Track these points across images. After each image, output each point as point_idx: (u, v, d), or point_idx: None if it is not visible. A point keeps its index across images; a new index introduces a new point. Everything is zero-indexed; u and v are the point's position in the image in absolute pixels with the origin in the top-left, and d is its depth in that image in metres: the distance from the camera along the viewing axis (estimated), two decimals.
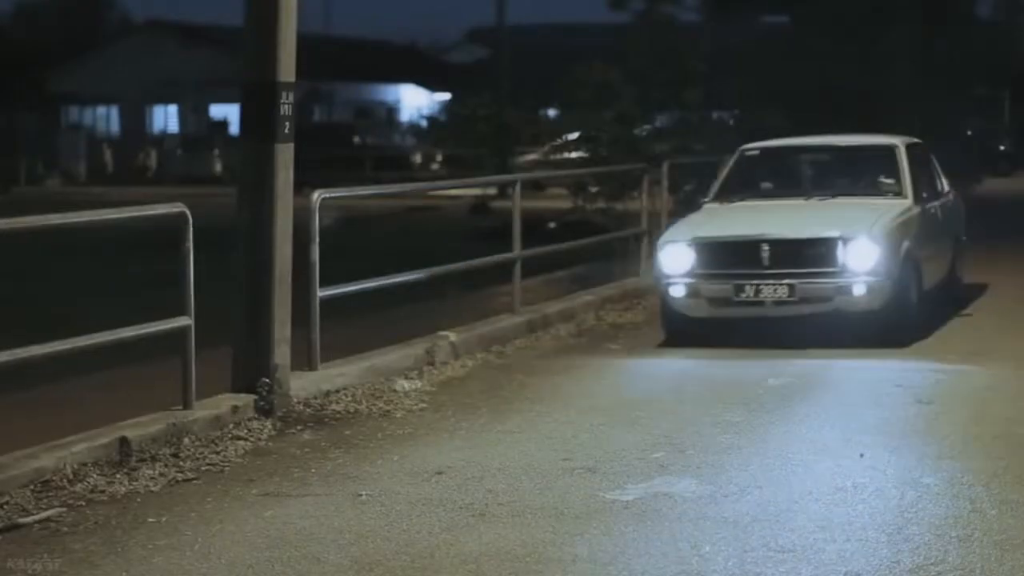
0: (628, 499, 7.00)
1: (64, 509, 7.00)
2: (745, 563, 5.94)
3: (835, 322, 11.50)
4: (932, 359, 10.79)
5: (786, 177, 13.48)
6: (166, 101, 61.10)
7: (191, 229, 8.52)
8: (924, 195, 12.72)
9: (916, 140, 13.81)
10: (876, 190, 12.65)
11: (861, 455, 7.76)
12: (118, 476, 7.51)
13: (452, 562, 6.06)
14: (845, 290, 11.26)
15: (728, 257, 11.61)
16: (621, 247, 16.51)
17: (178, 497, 7.24)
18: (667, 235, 12.14)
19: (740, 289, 11.40)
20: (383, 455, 8.07)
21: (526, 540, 6.33)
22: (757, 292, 11.34)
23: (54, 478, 7.36)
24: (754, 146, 13.68)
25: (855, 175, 13.10)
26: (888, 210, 11.93)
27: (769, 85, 25.02)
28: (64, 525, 6.75)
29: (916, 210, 12.33)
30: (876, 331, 11.35)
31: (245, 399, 8.84)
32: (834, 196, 12.50)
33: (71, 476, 7.42)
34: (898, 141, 13.13)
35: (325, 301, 10.03)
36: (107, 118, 62.82)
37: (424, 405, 9.46)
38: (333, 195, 10.75)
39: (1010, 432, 8.29)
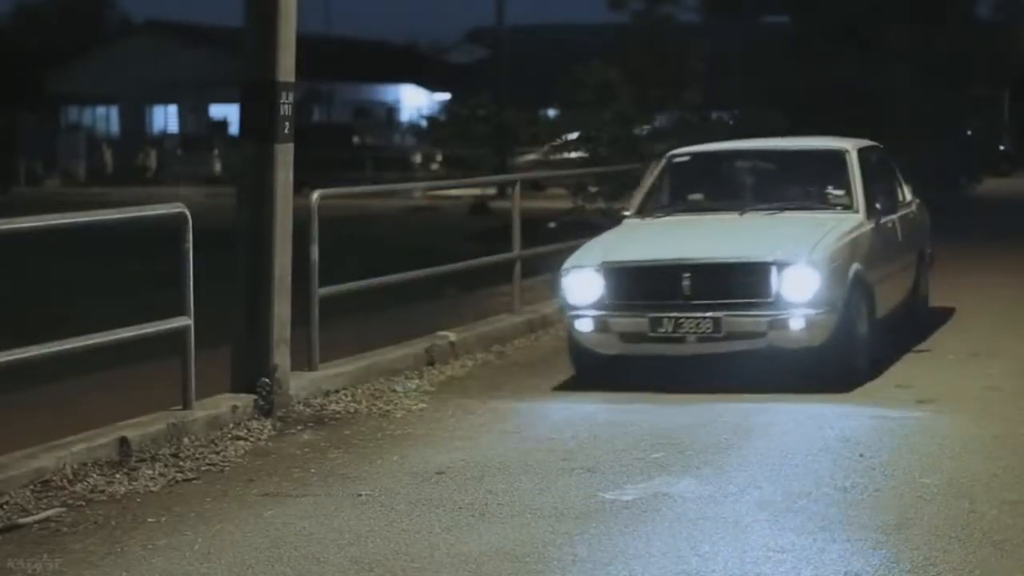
0: (627, 499, 7.00)
1: (64, 509, 7.00)
2: (745, 563, 5.94)
3: (770, 361, 9.83)
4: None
5: (720, 187, 11.69)
6: (166, 101, 61.12)
7: (191, 229, 8.52)
8: (879, 207, 10.94)
9: (871, 143, 12.20)
10: (823, 203, 10.94)
11: (861, 455, 7.76)
12: (118, 476, 7.52)
13: (452, 562, 6.06)
14: (780, 324, 9.52)
15: (643, 285, 9.88)
16: None
17: (178, 497, 7.24)
18: (573, 258, 10.19)
19: (657, 323, 9.66)
20: (383, 455, 8.07)
21: (526, 540, 6.33)
22: (677, 327, 9.62)
23: (54, 478, 7.36)
24: (684, 151, 11.88)
25: (799, 185, 11.38)
26: (835, 227, 10.24)
27: (769, 85, 25.03)
28: (64, 525, 6.76)
29: (869, 226, 10.62)
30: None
31: (245, 399, 8.85)
32: (774, 210, 10.78)
33: (71, 476, 7.42)
34: (849, 145, 11.40)
35: (325, 301, 10.04)
36: (107, 118, 62.84)
37: (424, 405, 9.46)
38: (333, 194, 10.77)
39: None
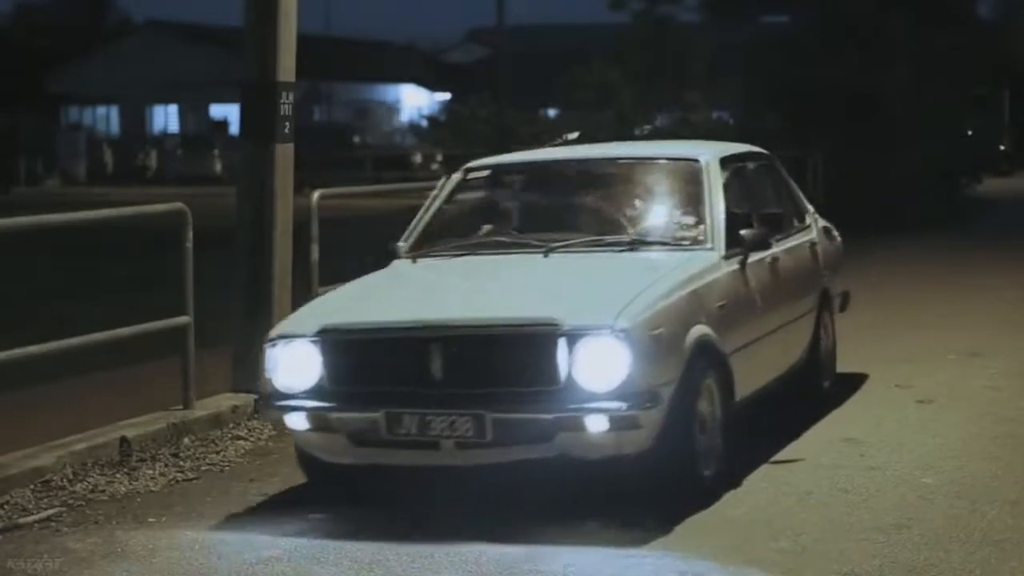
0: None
1: (64, 509, 7.00)
2: (745, 563, 5.93)
3: (565, 476, 6.89)
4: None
5: (528, 214, 8.43)
6: (166, 101, 61.13)
7: (191, 228, 8.53)
8: (748, 239, 7.74)
9: (749, 150, 9.16)
10: (665, 236, 7.75)
11: (861, 455, 7.76)
12: (118, 476, 7.52)
13: (452, 561, 6.06)
14: (572, 424, 6.41)
15: (375, 363, 6.73)
16: None
17: (178, 497, 7.24)
18: (284, 323, 7.18)
19: (395, 421, 6.56)
20: None
21: (523, 538, 6.29)
22: (423, 427, 6.53)
23: (54, 478, 7.37)
24: (482, 164, 8.70)
25: (636, 211, 8.04)
26: (669, 273, 7.13)
27: (769, 85, 25.05)
28: (64, 525, 6.76)
29: (727, 268, 7.53)
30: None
31: (245, 399, 8.84)
32: (592, 247, 7.60)
33: (71, 476, 7.42)
34: (706, 154, 8.18)
35: None
36: (107, 118, 62.85)
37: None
38: (333, 194, 10.76)
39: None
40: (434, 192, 8.61)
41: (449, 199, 8.38)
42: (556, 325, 6.48)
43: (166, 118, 62.48)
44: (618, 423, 6.44)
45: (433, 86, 63.94)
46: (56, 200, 33.92)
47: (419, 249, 8.01)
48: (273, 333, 7.01)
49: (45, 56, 59.71)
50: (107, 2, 75.47)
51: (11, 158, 47.87)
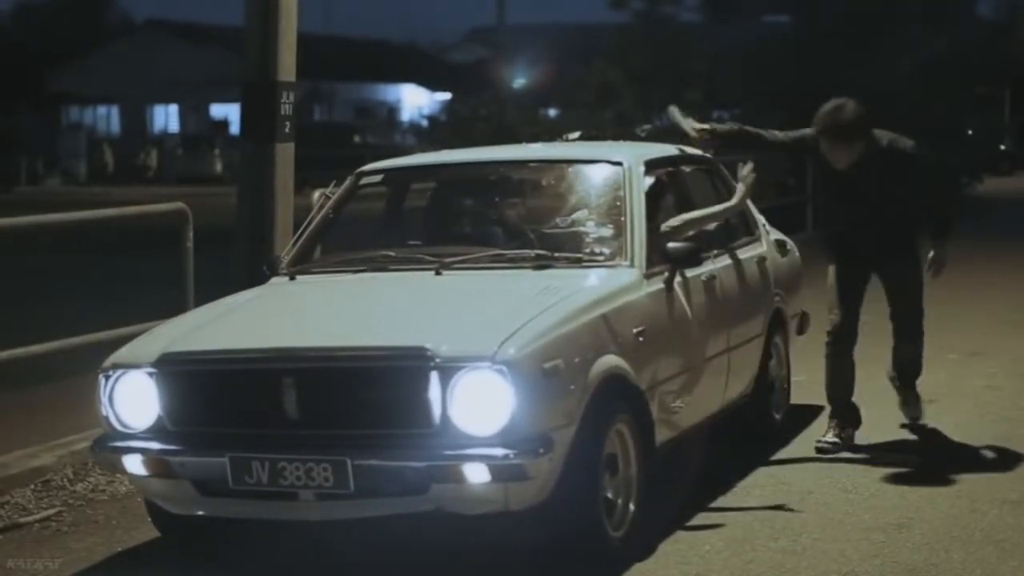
0: None
1: (64, 509, 7.00)
2: (745, 563, 5.94)
3: (445, 534, 5.94)
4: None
5: (422, 224, 7.61)
6: (166, 101, 61.13)
7: (191, 228, 8.53)
8: (677, 253, 6.72)
9: (681, 152, 7.97)
10: (575, 250, 6.70)
11: (861, 455, 7.76)
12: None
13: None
14: (449, 474, 5.47)
15: (221, 398, 5.82)
16: None
17: None
18: (121, 350, 6.12)
19: (243, 468, 5.62)
20: None
21: None
22: (275, 475, 5.58)
23: (54, 477, 7.37)
24: (377, 168, 7.72)
25: (548, 221, 6.98)
26: (577, 292, 6.18)
27: (769, 85, 25.06)
28: (65, 524, 6.76)
29: (648, 288, 6.55)
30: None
31: None
32: (491, 264, 6.62)
33: (72, 476, 7.43)
34: (629, 157, 7.08)
35: None
36: (107, 118, 62.86)
37: None
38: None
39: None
40: (320, 200, 7.54)
41: (339, 207, 7.39)
42: (427, 356, 5.46)
43: (166, 118, 62.48)
44: (502, 473, 5.42)
45: (433, 86, 63.93)
46: (57, 199, 33.93)
47: (299, 264, 7.01)
48: (108, 362, 5.98)
49: (45, 56, 59.73)
50: (107, 2, 75.52)
51: (12, 158, 47.91)
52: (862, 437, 8.15)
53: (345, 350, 5.67)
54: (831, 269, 8.08)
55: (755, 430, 8.07)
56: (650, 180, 7.04)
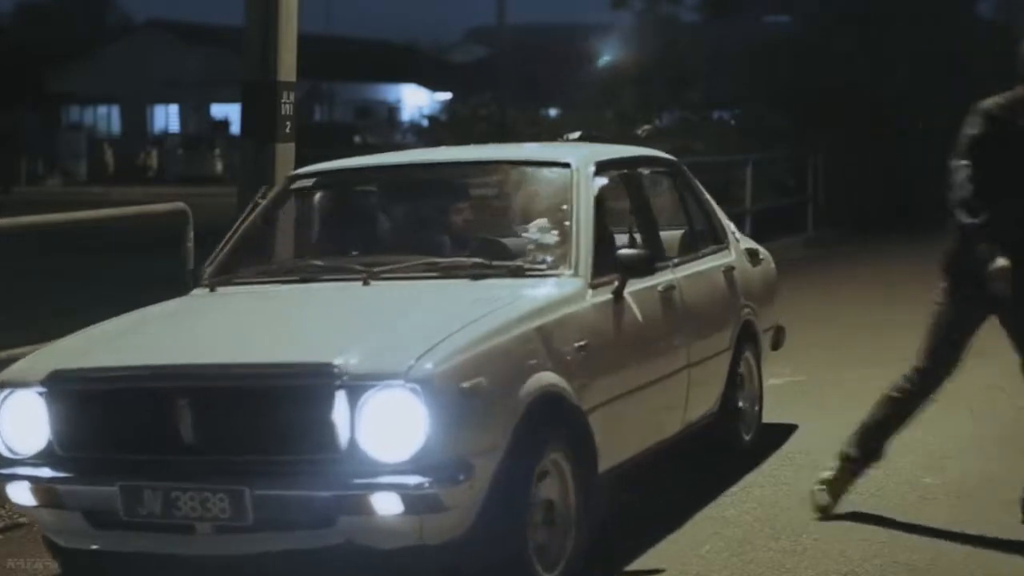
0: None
1: None
2: (745, 563, 5.93)
3: (355, 570, 5.22)
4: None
5: (356, 231, 6.95)
6: (166, 101, 61.19)
7: (192, 228, 8.53)
8: (628, 262, 6.21)
9: (642, 154, 7.62)
10: (515, 257, 6.23)
11: None
12: None
13: None
14: (357, 505, 4.96)
15: (113, 421, 5.28)
16: None
17: None
18: (12, 368, 5.65)
19: (134, 497, 5.12)
20: None
21: None
22: (169, 505, 5.09)
23: None
24: (311, 171, 7.18)
25: (485, 225, 6.60)
26: (510, 304, 5.67)
27: (770, 85, 25.06)
28: None
29: (594, 299, 6.03)
30: None
31: None
32: (425, 272, 6.11)
33: None
34: (581, 158, 6.60)
35: None
36: (107, 118, 62.92)
37: None
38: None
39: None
40: (251, 205, 7.09)
41: (268, 213, 6.87)
42: (334, 374, 4.94)
43: (167, 118, 62.53)
44: (415, 503, 4.90)
45: (434, 86, 63.95)
46: (57, 199, 33.93)
47: (222, 275, 6.47)
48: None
49: (46, 56, 59.76)
50: (107, 2, 75.57)
51: (12, 158, 47.94)
52: None
53: (244, 367, 5.18)
54: (948, 286, 6.49)
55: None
56: (602, 183, 6.52)
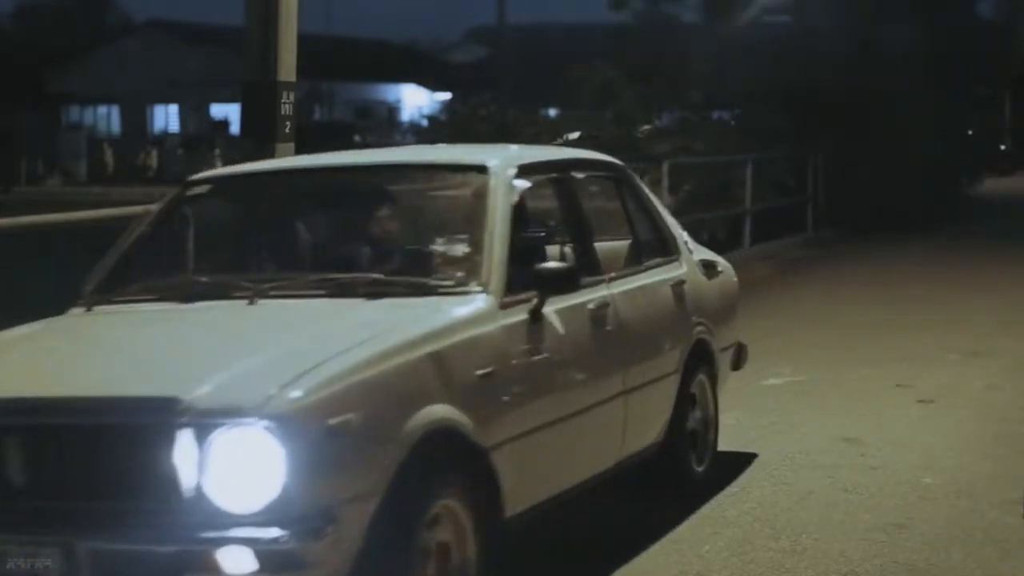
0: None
1: None
2: (745, 563, 5.93)
3: None
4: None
5: (249, 243, 6.40)
6: (166, 101, 61.18)
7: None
8: (548, 276, 5.55)
9: (575, 157, 7.03)
10: (419, 273, 5.55)
11: (861, 455, 7.76)
12: None
13: None
14: (203, 561, 4.30)
15: None
16: None
17: None
18: None
19: None
20: None
21: None
22: None
23: None
24: (207, 176, 6.63)
25: (389, 237, 5.93)
26: (399, 326, 4.96)
27: (770, 85, 25.06)
28: None
29: (505, 319, 5.34)
30: None
31: None
32: (317, 287, 5.43)
33: None
34: (501, 161, 5.95)
35: None
36: (107, 118, 62.92)
37: None
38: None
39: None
40: (139, 217, 6.49)
41: (159, 223, 6.19)
42: (177, 410, 4.28)
43: (166, 118, 62.53)
44: (270, 561, 4.22)
45: (433, 86, 63.97)
46: (57, 199, 33.92)
47: (103, 292, 5.78)
48: None
49: (45, 56, 59.78)
50: (107, 2, 75.58)
51: (12, 157, 47.93)
52: (861, 437, 8.15)
53: (79, 401, 4.48)
54: None
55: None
56: (524, 189, 5.84)
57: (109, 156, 55.35)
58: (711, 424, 7.29)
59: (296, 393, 4.34)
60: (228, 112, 55.42)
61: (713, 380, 7.29)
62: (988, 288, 14.93)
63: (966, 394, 9.48)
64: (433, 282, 5.44)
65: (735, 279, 7.89)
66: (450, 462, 4.82)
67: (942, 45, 27.21)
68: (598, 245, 6.48)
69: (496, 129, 22.40)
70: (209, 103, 59.67)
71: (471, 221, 5.66)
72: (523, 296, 5.46)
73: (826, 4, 27.37)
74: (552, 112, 29.25)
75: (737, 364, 7.79)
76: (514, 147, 6.88)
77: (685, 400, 6.90)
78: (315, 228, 6.13)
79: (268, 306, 5.29)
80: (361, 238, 5.92)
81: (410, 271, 5.56)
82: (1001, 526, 6.38)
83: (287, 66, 9.17)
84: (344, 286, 5.39)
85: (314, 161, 6.82)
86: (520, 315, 5.42)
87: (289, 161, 7.40)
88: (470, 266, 5.46)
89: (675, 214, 8.09)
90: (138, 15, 74.63)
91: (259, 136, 9.16)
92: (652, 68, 24.72)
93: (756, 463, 7.61)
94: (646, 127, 22.18)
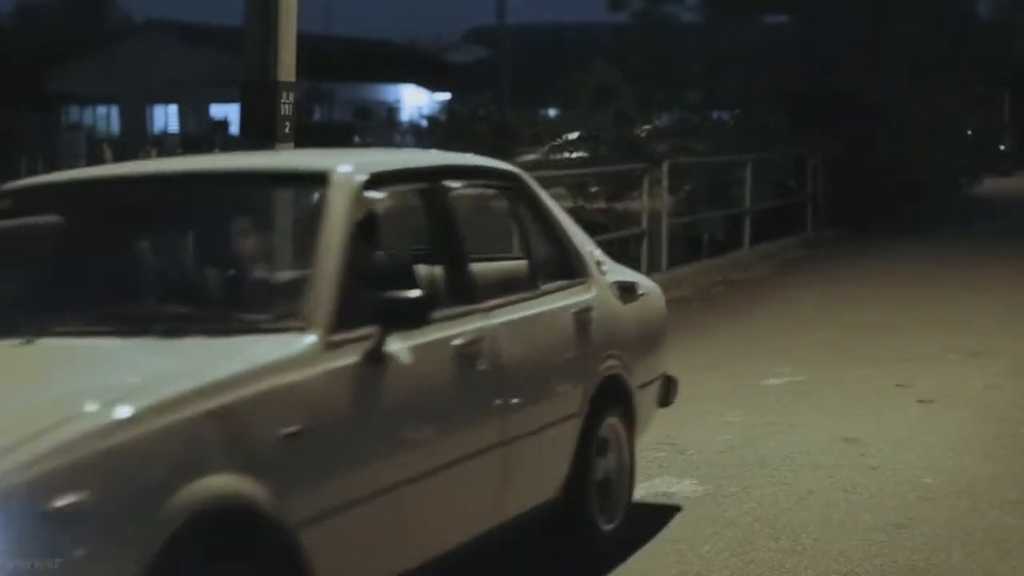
0: None
1: None
2: (745, 563, 5.93)
3: None
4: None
5: (44, 269, 5.22)
6: (166, 101, 61.21)
7: None
8: (391, 307, 4.51)
9: (452, 163, 5.94)
10: (234, 306, 4.71)
11: (861, 455, 7.76)
12: None
13: None
14: None
15: None
16: (621, 247, 16.53)
17: None
18: None
19: None
20: None
21: None
22: None
23: None
24: (11, 188, 5.49)
25: (203, 262, 5.15)
26: (189, 374, 3.99)
27: (769, 85, 25.08)
28: None
29: (329, 363, 4.33)
30: None
31: None
32: (107, 325, 4.50)
33: None
34: (343, 170, 4.86)
35: None
36: (107, 118, 62.95)
37: None
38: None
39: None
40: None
41: None
42: None
43: (166, 118, 62.55)
44: None
45: (433, 86, 63.98)
46: None
47: None
48: None
49: (46, 56, 59.79)
50: (107, 2, 75.59)
51: (11, 157, 47.93)
52: (861, 437, 8.15)
53: None
54: None
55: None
56: (375, 202, 4.81)
57: (109, 156, 55.28)
58: (626, 473, 6.25)
59: (7, 465, 3.39)
60: (228, 112, 55.42)
61: (629, 421, 6.24)
62: (988, 288, 14.93)
63: (966, 394, 9.48)
64: (247, 317, 4.47)
65: (662, 303, 6.86)
66: (234, 546, 3.88)
67: (942, 45, 27.21)
68: (483, 267, 5.53)
69: (496, 129, 22.42)
70: (209, 103, 59.69)
71: (302, 241, 4.74)
72: (360, 333, 4.46)
73: (826, 4, 27.37)
74: (552, 112, 29.25)
75: (665, 400, 6.78)
76: (378, 152, 5.85)
77: (591, 446, 5.88)
78: (127, 250, 5.15)
79: (45, 347, 4.35)
80: (178, 262, 5.10)
81: (223, 303, 4.72)
82: (1001, 526, 6.38)
83: (287, 66, 9.16)
84: (142, 321, 4.46)
85: (125, 170, 5.75)
86: (352, 357, 4.41)
87: (97, 170, 6.34)
88: (293, 296, 4.50)
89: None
90: (138, 15, 74.51)
91: (258, 136, 9.16)
92: (652, 68, 24.72)
93: (756, 463, 7.61)
94: (646, 127, 22.19)
